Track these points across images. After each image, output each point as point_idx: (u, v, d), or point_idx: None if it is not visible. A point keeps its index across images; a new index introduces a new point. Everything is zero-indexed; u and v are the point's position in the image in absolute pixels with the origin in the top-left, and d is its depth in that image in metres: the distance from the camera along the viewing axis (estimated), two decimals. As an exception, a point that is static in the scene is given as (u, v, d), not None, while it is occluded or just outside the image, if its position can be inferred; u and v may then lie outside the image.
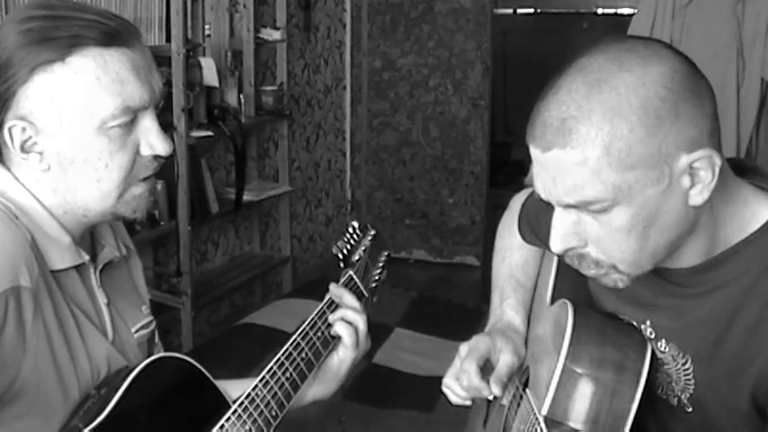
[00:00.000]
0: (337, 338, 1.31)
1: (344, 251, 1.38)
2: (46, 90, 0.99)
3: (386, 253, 1.50)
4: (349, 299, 1.34)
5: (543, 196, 0.98)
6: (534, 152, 0.96)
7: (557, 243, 0.99)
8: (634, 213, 0.93)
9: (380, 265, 1.47)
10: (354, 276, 1.38)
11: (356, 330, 1.31)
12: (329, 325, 1.30)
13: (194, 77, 3.22)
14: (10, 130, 1.01)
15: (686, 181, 0.93)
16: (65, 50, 0.99)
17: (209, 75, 3.32)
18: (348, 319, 1.31)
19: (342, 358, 1.32)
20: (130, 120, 1.03)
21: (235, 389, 1.23)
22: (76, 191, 1.05)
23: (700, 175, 0.93)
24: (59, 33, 0.99)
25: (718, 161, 0.93)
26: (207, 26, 3.49)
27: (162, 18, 3.10)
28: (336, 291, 1.34)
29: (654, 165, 0.91)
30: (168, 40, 3.09)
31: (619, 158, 0.90)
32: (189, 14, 3.21)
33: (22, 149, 1.02)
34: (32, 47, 0.98)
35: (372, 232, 1.47)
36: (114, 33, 1.01)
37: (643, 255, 0.97)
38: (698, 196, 0.94)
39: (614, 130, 0.89)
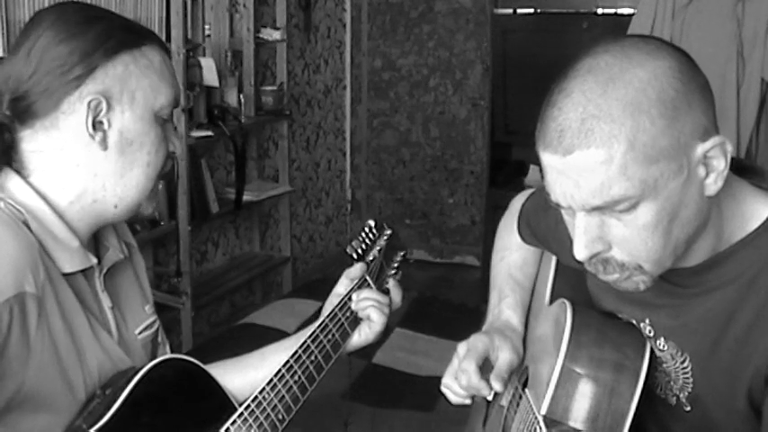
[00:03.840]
0: (347, 340, 1.32)
1: (359, 251, 1.37)
2: (126, 70, 1.07)
3: (402, 253, 1.46)
4: (371, 292, 1.36)
5: (563, 203, 0.96)
6: (551, 159, 0.94)
7: (581, 250, 0.96)
8: (660, 208, 0.92)
9: (395, 265, 1.44)
10: (368, 278, 1.37)
11: (384, 314, 1.35)
12: (340, 327, 1.30)
13: (194, 77, 3.22)
14: (89, 103, 1.04)
15: (702, 171, 0.93)
16: (140, 40, 1.09)
17: (209, 75, 3.32)
18: (377, 306, 1.34)
19: (356, 344, 1.34)
20: (169, 115, 1.13)
21: (234, 371, 1.25)
22: (123, 175, 1.09)
23: (713, 163, 0.94)
24: (137, 27, 1.12)
25: (729, 147, 0.94)
26: (207, 26, 3.50)
27: (162, 18, 3.10)
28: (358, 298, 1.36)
29: (674, 156, 0.91)
30: (168, 40, 3.09)
31: (644, 152, 0.89)
32: (189, 14, 3.21)
33: (94, 127, 1.05)
34: (115, 33, 1.07)
35: (388, 232, 1.44)
36: (162, 42, 1.14)
37: (666, 251, 0.96)
38: (713, 185, 0.94)
39: (637, 125, 0.89)
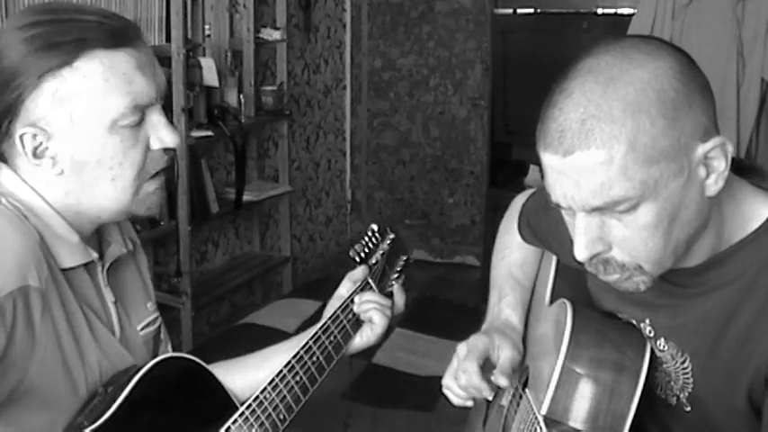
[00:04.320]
0: (349, 341, 1.32)
1: (361, 255, 1.37)
2: (55, 96, 1.00)
3: (404, 257, 1.46)
4: (373, 295, 1.36)
5: (563, 204, 0.96)
6: (551, 159, 0.94)
7: (582, 251, 0.96)
8: (660, 209, 0.92)
9: (398, 269, 1.44)
10: (370, 280, 1.37)
11: (386, 316, 1.34)
12: (342, 329, 1.30)
13: (194, 77, 3.22)
14: (21, 137, 1.01)
15: (702, 171, 0.93)
16: (72, 55, 0.99)
17: (209, 75, 3.32)
18: (379, 308, 1.34)
19: (357, 346, 1.34)
20: (139, 117, 1.05)
21: (235, 371, 1.25)
22: (92, 192, 1.05)
23: (713, 164, 0.94)
24: (65, 38, 0.99)
25: (730, 148, 0.94)
26: (207, 26, 3.50)
27: (162, 18, 3.10)
28: (361, 300, 1.35)
29: (675, 157, 0.91)
30: (168, 40, 3.09)
31: (644, 153, 0.89)
32: (189, 14, 3.21)
33: (35, 155, 1.02)
34: (39, 53, 0.98)
35: (391, 236, 1.44)
36: (118, 33, 1.02)
37: (667, 251, 0.96)
38: (713, 186, 0.94)
39: (637, 125, 0.89)
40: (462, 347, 1.25)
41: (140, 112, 1.04)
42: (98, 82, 1.00)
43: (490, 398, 1.25)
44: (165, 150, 1.09)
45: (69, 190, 1.05)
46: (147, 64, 1.05)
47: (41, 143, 1.02)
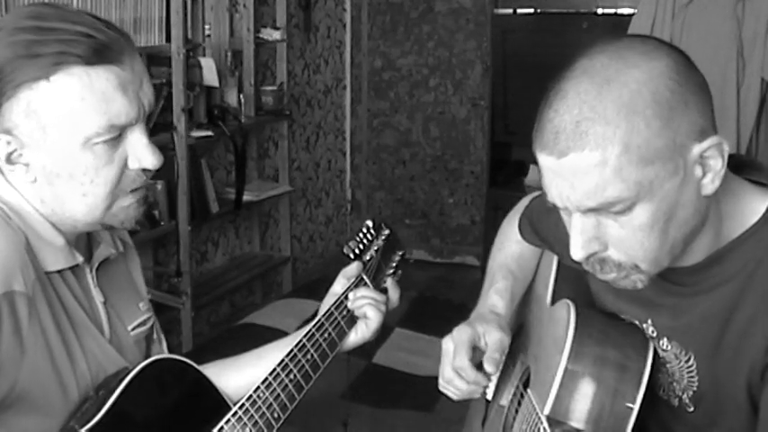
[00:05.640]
0: (344, 338, 1.32)
1: (356, 251, 1.37)
2: (29, 107, 0.97)
3: (400, 253, 1.46)
4: (367, 290, 1.35)
5: (560, 204, 0.96)
6: (547, 160, 0.94)
7: (578, 250, 0.97)
8: (655, 209, 0.92)
9: (393, 265, 1.44)
10: (365, 276, 1.37)
11: (381, 312, 1.34)
12: (336, 326, 1.30)
13: (194, 77, 3.22)
14: None
15: (698, 171, 0.93)
16: (49, 68, 0.96)
17: (209, 75, 3.32)
18: (374, 304, 1.33)
19: (353, 343, 1.34)
20: (117, 136, 1.02)
21: (231, 370, 1.25)
22: (64, 203, 1.03)
23: (710, 163, 0.93)
24: (45, 50, 0.96)
25: (726, 147, 0.94)
26: (207, 26, 3.49)
27: (162, 18, 3.10)
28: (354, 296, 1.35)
29: (670, 157, 0.91)
30: (168, 40, 3.09)
31: (638, 154, 0.89)
32: (189, 14, 3.21)
33: (8, 161, 1.01)
34: (18, 62, 0.96)
35: (386, 231, 1.44)
36: (102, 49, 0.98)
37: (663, 251, 0.96)
38: (710, 185, 0.94)
39: (631, 126, 0.89)
40: (448, 344, 1.25)
41: (118, 131, 1.01)
42: (74, 99, 0.97)
43: (489, 389, 1.25)
44: (144, 170, 1.06)
45: (44, 198, 1.03)
46: (130, 82, 1.01)
47: (15, 150, 1.00)
